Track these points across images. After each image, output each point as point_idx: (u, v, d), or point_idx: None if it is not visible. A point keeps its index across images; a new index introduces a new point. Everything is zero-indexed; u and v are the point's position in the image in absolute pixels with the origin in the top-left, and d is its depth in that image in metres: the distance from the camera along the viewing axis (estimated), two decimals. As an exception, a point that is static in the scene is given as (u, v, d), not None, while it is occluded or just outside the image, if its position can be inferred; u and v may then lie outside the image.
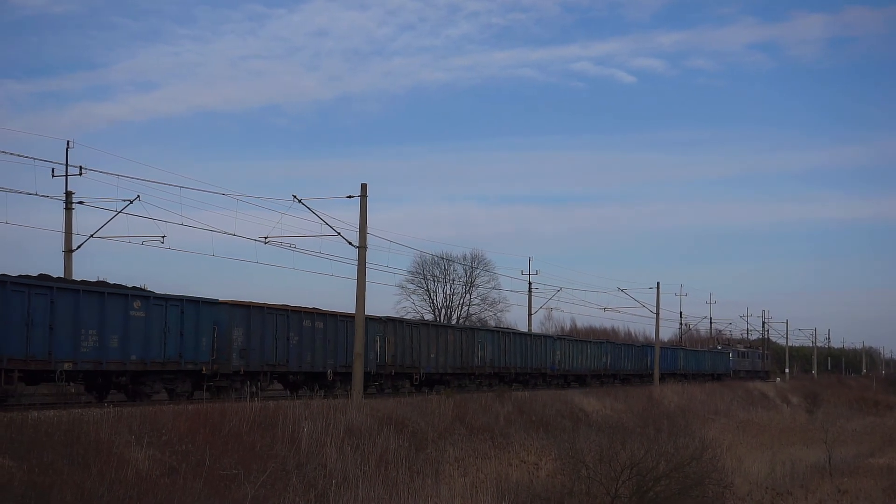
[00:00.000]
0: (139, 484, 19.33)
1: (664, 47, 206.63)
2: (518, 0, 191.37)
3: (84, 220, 45.86)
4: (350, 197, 37.22)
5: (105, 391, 30.94)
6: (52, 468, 18.48)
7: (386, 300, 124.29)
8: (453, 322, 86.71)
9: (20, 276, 27.48)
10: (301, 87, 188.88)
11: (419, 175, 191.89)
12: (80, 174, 38.08)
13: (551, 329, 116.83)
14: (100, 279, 31.04)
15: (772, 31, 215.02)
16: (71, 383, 29.98)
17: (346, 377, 39.29)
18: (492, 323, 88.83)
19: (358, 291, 36.81)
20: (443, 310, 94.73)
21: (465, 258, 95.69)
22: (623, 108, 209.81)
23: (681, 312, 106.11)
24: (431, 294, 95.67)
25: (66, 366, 28.05)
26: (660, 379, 72.79)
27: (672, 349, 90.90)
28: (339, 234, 37.75)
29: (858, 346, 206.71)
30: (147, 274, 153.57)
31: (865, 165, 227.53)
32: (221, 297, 34.90)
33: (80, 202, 39.04)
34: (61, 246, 38.88)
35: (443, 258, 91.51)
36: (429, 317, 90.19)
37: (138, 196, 37.45)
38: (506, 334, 57.33)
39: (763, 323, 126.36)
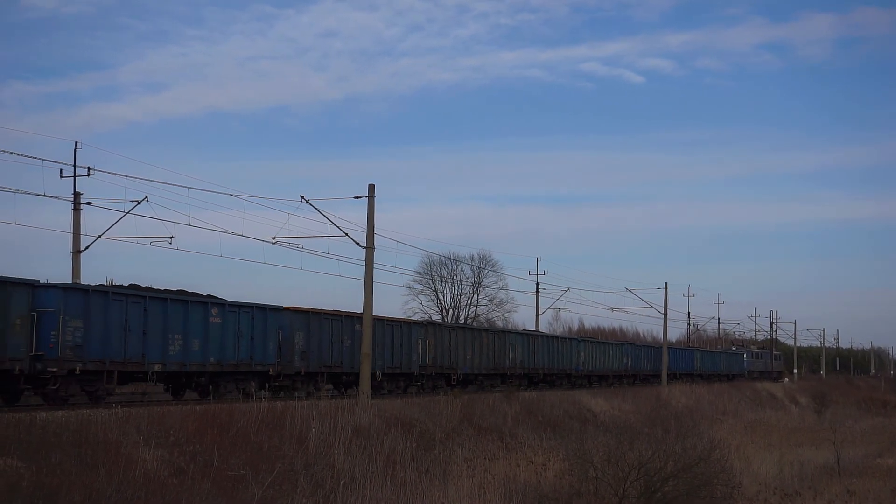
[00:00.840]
0: (147, 484, 19.36)
1: (672, 47, 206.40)
2: (527, 0, 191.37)
3: (92, 221, 45.86)
4: (357, 197, 37.26)
5: (183, 390, 33.77)
6: (61, 469, 18.51)
7: (393, 300, 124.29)
8: (461, 322, 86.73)
9: (118, 286, 30.99)
10: (309, 88, 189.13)
11: (427, 175, 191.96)
12: (89, 175, 38.11)
13: (559, 329, 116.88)
14: (109, 280, 31.44)
15: (780, 31, 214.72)
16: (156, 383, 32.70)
17: (391, 377, 43.35)
18: (499, 324, 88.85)
19: (366, 292, 36.82)
20: (450, 310, 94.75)
21: (472, 258, 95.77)
22: (631, 108, 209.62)
23: (689, 313, 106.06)
24: (439, 294, 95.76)
25: (157, 367, 31.14)
26: (677, 379, 74.28)
27: (689, 350, 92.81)
28: (346, 234, 37.80)
29: (867, 346, 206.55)
30: (155, 275, 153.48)
31: (873, 165, 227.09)
32: (230, 298, 35.36)
33: (89, 203, 39.05)
34: (69, 247, 38.88)
35: (450, 259, 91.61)
36: (436, 317, 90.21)
37: (146, 197, 37.47)
38: (535, 337, 59.71)
39: (771, 323, 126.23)
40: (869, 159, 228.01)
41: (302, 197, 37.20)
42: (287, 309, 37.52)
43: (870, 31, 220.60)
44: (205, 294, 34.20)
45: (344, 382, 40.99)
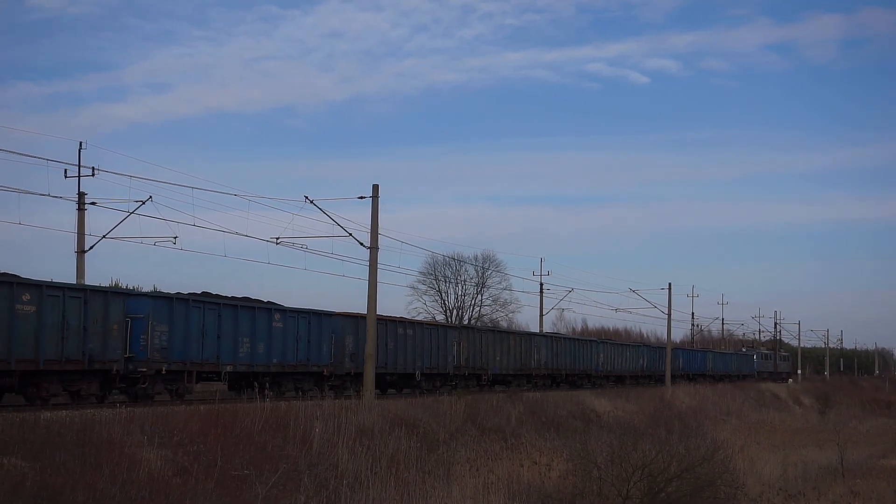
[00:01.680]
0: (151, 484, 19.37)
1: (678, 48, 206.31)
2: (532, 1, 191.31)
3: (96, 221, 46.00)
4: (362, 198, 37.26)
5: (246, 389, 35.80)
6: (65, 468, 18.53)
7: (397, 301, 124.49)
8: (465, 323, 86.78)
9: (197, 293, 33.76)
10: (314, 89, 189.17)
11: (432, 176, 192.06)
12: (93, 175, 38.14)
13: (563, 329, 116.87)
14: (114, 281, 31.66)
15: (786, 31, 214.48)
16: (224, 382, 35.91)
17: (429, 377, 46.53)
18: (504, 324, 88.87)
19: (369, 292, 36.83)
20: (454, 311, 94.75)
21: (476, 259, 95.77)
22: (636, 108, 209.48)
23: (692, 313, 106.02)
24: (443, 295, 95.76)
25: (228, 368, 34.30)
26: (690, 380, 77.05)
27: (701, 352, 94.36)
28: (350, 234, 37.82)
29: (871, 347, 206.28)
30: (159, 275, 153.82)
31: (877, 166, 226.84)
32: (233, 298, 35.60)
33: (93, 203, 39.07)
34: (74, 247, 38.92)
35: (454, 259, 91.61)
36: (440, 318, 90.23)
37: (150, 197, 37.56)
38: (557, 339, 63.31)
39: (775, 324, 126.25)
40: (872, 160, 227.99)
41: (306, 197, 37.28)
42: (338, 314, 41.13)
43: (875, 32, 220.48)
44: (265, 301, 37.20)
45: (388, 382, 44.04)
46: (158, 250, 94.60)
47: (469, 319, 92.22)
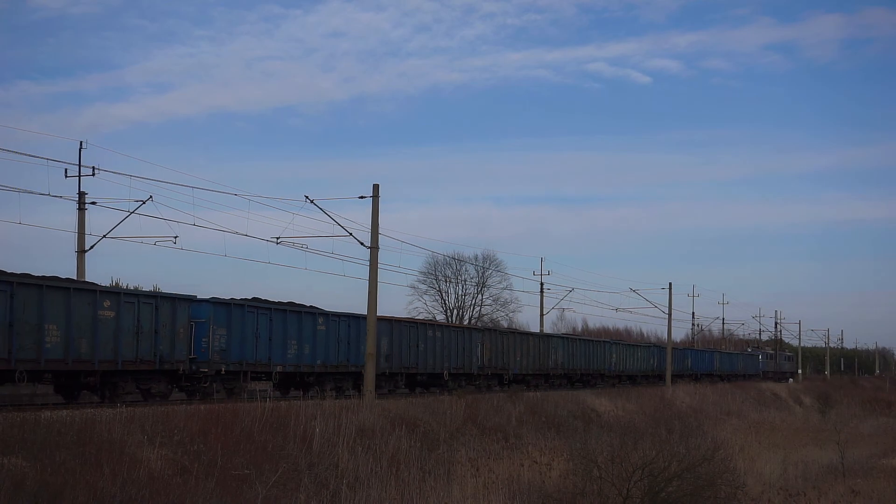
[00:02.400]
0: (151, 484, 19.37)
1: (680, 48, 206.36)
2: (534, 1, 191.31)
3: (97, 221, 45.98)
4: (362, 197, 37.23)
5: (291, 388, 38.69)
6: (65, 468, 18.53)
7: (398, 301, 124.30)
8: (465, 322, 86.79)
9: (250, 299, 36.03)
10: (316, 88, 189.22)
11: (434, 176, 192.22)
12: (93, 175, 38.13)
13: (563, 329, 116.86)
14: (115, 280, 31.79)
15: (788, 31, 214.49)
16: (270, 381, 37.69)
17: (456, 377, 48.92)
18: (504, 324, 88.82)
19: (370, 292, 36.81)
20: (454, 310, 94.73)
21: (476, 259, 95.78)
22: (638, 108, 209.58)
23: (693, 313, 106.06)
24: (443, 295, 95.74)
25: (278, 368, 36.78)
26: (698, 379, 78.51)
27: (710, 352, 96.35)
28: (350, 234, 37.78)
29: (871, 346, 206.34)
30: (159, 274, 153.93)
31: (878, 166, 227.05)
32: (234, 297, 35.65)
33: (93, 203, 39.08)
34: (74, 246, 38.93)
35: (454, 259, 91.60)
36: (440, 317, 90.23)
37: (151, 197, 37.54)
38: (573, 340, 65.91)
39: (776, 324, 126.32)
40: (874, 160, 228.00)
41: (306, 197, 37.23)
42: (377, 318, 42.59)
43: (877, 32, 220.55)
44: (308, 305, 39.10)
45: (418, 382, 46.69)
46: (159, 250, 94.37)
47: (469, 319, 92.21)
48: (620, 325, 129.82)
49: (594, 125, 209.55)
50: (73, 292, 28.56)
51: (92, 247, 39.09)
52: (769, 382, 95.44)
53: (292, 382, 38.90)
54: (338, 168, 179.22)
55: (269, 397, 29.80)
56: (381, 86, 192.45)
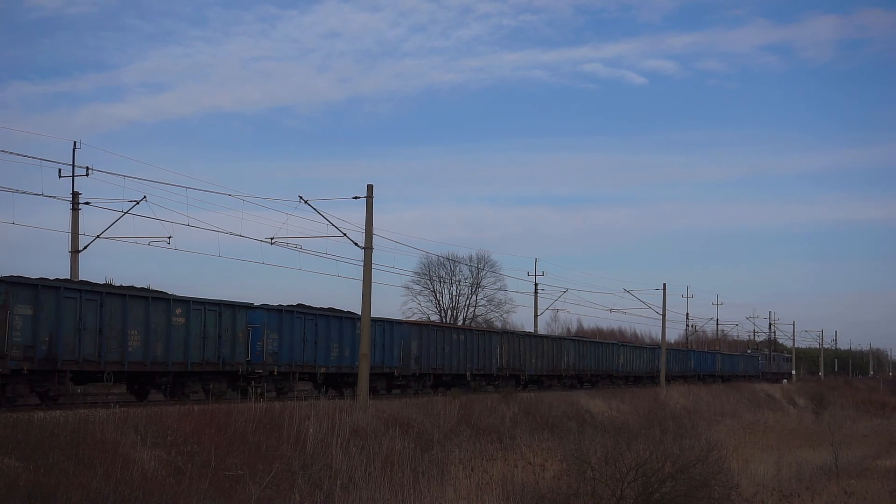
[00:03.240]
0: (145, 484, 19.35)
1: (675, 49, 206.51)
2: (530, 1, 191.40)
3: (91, 221, 46.04)
4: (356, 198, 37.22)
5: (344, 388, 41.32)
6: (58, 468, 18.51)
7: (392, 301, 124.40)
8: (459, 323, 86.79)
9: (299, 305, 39.48)
10: (312, 89, 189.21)
11: (430, 176, 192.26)
12: (87, 175, 38.14)
13: (557, 330, 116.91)
14: (108, 280, 32.06)
15: (784, 32, 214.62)
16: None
17: (478, 377, 52.02)
18: (498, 324, 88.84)
19: (364, 292, 36.81)
20: (449, 311, 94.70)
21: (470, 259, 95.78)
22: (634, 109, 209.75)
23: (687, 314, 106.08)
24: (437, 295, 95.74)
25: (322, 370, 39.94)
26: (700, 380, 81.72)
27: (712, 353, 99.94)
28: (344, 234, 37.77)
29: (865, 347, 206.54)
30: (153, 275, 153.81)
31: (873, 167, 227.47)
32: (227, 298, 35.94)
33: (87, 203, 39.08)
34: (68, 246, 38.91)
35: (449, 259, 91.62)
36: (434, 318, 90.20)
37: (144, 197, 37.55)
38: (583, 343, 68.68)
39: (770, 325, 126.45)
40: (869, 161, 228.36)
41: (300, 197, 37.21)
42: (405, 322, 48.26)
43: (873, 33, 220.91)
44: (346, 311, 42.25)
45: (444, 382, 49.21)
46: (153, 250, 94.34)
47: (464, 320, 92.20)
48: (615, 326, 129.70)
49: (590, 126, 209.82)
50: (151, 301, 31.53)
51: (86, 247, 39.12)
52: (764, 383, 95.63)
53: (334, 383, 41.67)
54: (333, 168, 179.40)
55: (315, 396, 34.56)
56: (377, 86, 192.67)
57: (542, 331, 75.66)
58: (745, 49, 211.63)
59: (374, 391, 40.19)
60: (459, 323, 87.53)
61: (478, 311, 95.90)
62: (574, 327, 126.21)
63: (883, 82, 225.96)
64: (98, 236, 38.94)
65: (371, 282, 36.95)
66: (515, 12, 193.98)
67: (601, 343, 72.76)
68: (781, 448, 40.86)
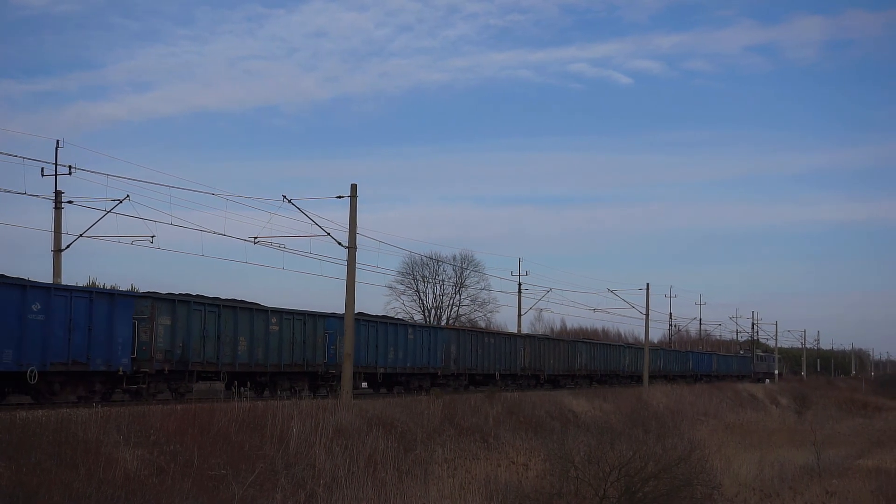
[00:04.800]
0: (127, 484, 19.30)
1: (662, 49, 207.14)
2: (517, 1, 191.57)
3: (74, 220, 45.83)
4: (340, 197, 37.17)
5: (383, 387, 46.46)
6: (40, 468, 18.45)
7: (376, 300, 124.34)
8: (443, 323, 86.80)
9: (365, 313, 44.85)
10: (299, 88, 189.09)
11: (416, 176, 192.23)
12: (70, 174, 37.94)
13: (541, 330, 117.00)
14: (91, 280, 31.95)
15: (770, 33, 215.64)
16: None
17: (505, 377, 56.94)
18: (482, 324, 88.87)
19: (347, 292, 36.79)
20: (432, 310, 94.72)
21: (454, 259, 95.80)
22: (620, 109, 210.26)
23: (670, 314, 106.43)
24: (421, 295, 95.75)
25: (381, 370, 44.92)
26: (697, 380, 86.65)
27: (708, 354, 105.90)
28: (328, 234, 37.75)
29: (848, 347, 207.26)
30: (137, 274, 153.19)
31: (859, 168, 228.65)
32: (210, 297, 35.90)
33: (70, 202, 38.91)
34: (50, 245, 38.76)
35: (432, 259, 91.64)
36: (418, 317, 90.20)
37: (128, 196, 37.39)
38: (594, 345, 74.34)
39: (753, 324, 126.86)
40: (855, 162, 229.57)
41: (284, 196, 37.16)
42: (446, 327, 55.73)
43: (859, 34, 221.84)
44: (397, 318, 46.84)
45: (476, 381, 54.11)
46: (136, 249, 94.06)
47: (447, 320, 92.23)
48: (598, 326, 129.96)
49: (576, 126, 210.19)
50: (255, 312, 37.13)
51: (68, 246, 38.94)
52: (747, 383, 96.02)
53: (390, 381, 46.66)
54: (319, 168, 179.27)
55: (374, 395, 39.86)
56: (364, 85, 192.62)
57: (525, 330, 75.66)
58: (732, 49, 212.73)
59: (420, 388, 45.89)
60: (443, 323, 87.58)
61: (461, 311, 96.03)
62: (557, 327, 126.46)
63: (869, 83, 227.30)
64: (81, 235, 38.81)
65: (355, 281, 36.95)
66: (502, 12, 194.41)
67: (609, 345, 79.55)
68: (764, 448, 40.99)
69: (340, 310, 38.53)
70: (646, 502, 23.70)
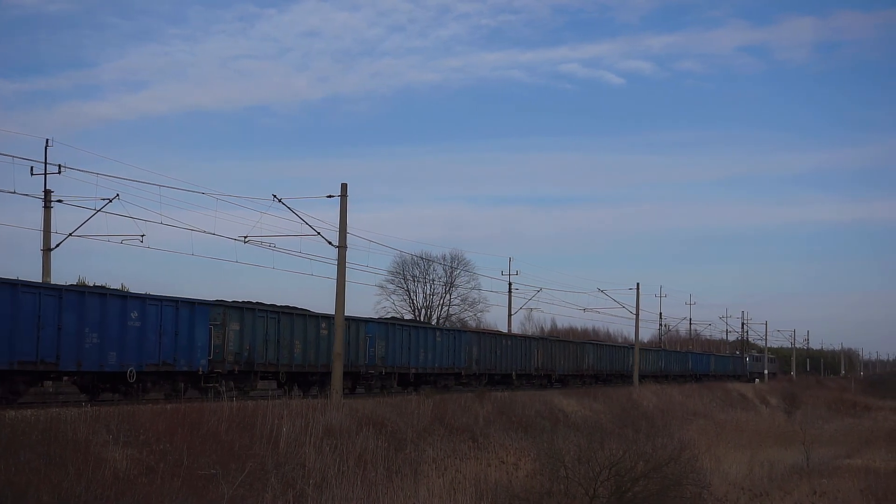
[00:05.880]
0: (117, 483, 19.26)
1: (653, 50, 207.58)
2: (508, 2, 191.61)
3: (63, 219, 45.63)
4: (330, 196, 37.12)
5: (410, 386, 47.37)
6: (29, 467, 18.40)
7: (366, 300, 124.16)
8: (433, 323, 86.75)
9: (398, 318, 50.14)
10: (290, 88, 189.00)
11: (408, 176, 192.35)
12: (59, 173, 37.84)
13: (531, 329, 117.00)
14: (81, 279, 31.96)
15: (761, 34, 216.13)
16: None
17: (521, 377, 59.99)
18: (472, 323, 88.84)
19: (338, 291, 36.76)
20: (423, 310, 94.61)
21: (444, 258, 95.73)
22: (611, 110, 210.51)
23: (660, 313, 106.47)
24: (411, 294, 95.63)
25: (413, 370, 47.80)
26: (696, 379, 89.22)
27: (706, 355, 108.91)
28: (318, 233, 37.68)
29: (837, 347, 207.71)
30: (127, 273, 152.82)
31: (850, 168, 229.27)
32: (200, 297, 35.84)
33: (59, 201, 38.83)
34: (40, 244, 38.67)
35: (422, 258, 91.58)
36: (408, 317, 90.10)
37: (117, 195, 37.26)
38: (601, 346, 77.66)
39: (742, 324, 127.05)
40: (847, 163, 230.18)
41: (274, 196, 37.06)
42: (469, 330, 59.05)
43: (850, 35, 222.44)
44: (426, 322, 49.39)
45: (495, 381, 56.52)
46: (126, 248, 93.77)
47: (437, 319, 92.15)
48: (588, 326, 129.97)
49: (568, 126, 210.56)
50: (308, 318, 40.17)
51: (58, 245, 38.87)
52: (736, 383, 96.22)
53: (420, 381, 48.83)
54: (311, 168, 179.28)
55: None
56: (355, 85, 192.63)
57: (515, 330, 75.81)
58: (723, 50, 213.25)
59: (445, 387, 49.43)
60: (434, 322, 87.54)
61: (451, 311, 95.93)
62: (548, 326, 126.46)
63: (860, 84, 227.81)
64: (70, 234, 38.73)
65: (345, 281, 36.93)
66: (494, 12, 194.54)
67: (615, 346, 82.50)
68: (753, 447, 41.05)
69: (330, 309, 38.53)
70: (636, 502, 23.73)
